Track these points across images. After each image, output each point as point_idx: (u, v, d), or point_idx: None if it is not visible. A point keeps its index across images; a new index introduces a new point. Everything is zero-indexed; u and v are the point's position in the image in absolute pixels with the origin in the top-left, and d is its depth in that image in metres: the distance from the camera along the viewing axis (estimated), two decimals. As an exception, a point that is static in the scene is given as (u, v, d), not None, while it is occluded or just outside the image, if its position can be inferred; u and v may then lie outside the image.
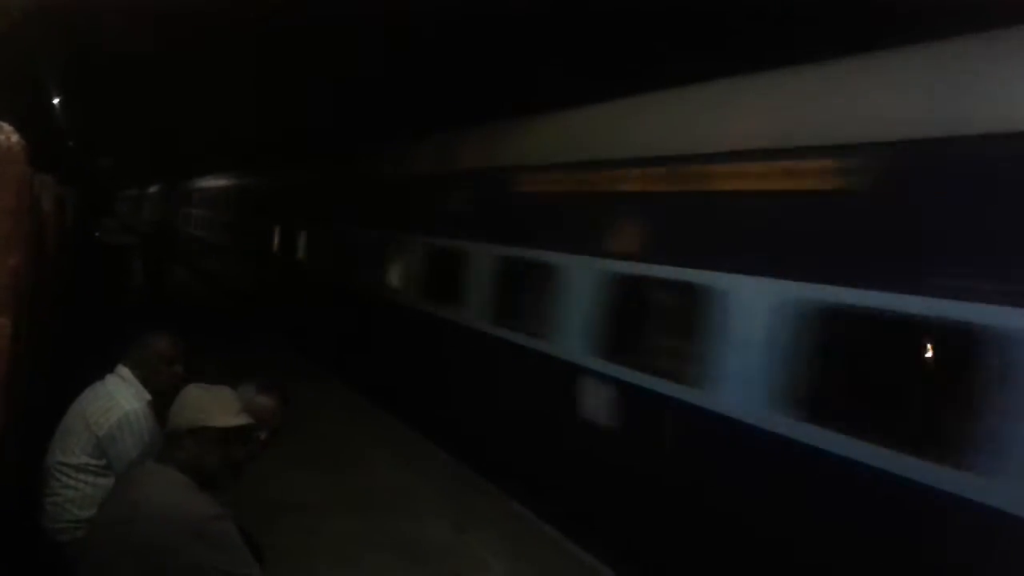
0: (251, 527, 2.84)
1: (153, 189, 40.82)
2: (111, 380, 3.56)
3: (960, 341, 3.47)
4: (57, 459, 3.38)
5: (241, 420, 2.56)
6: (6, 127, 1.82)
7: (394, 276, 9.75)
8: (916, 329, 3.84)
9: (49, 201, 4.79)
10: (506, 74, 8.90)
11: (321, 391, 9.84)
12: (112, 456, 3.31)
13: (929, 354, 4.04)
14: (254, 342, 12.56)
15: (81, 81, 13.02)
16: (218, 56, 10.47)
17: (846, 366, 4.22)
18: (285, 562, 4.54)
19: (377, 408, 9.30)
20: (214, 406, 2.55)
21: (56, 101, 14.68)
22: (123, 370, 3.58)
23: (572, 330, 5.96)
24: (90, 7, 7.78)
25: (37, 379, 4.06)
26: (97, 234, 19.11)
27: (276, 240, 15.27)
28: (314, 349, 12.16)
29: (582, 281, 5.90)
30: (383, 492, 6.62)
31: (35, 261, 3.41)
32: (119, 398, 3.44)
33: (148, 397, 3.51)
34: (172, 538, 2.29)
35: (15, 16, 7.01)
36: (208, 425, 2.49)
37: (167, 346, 3.63)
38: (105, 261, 15.59)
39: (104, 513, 2.52)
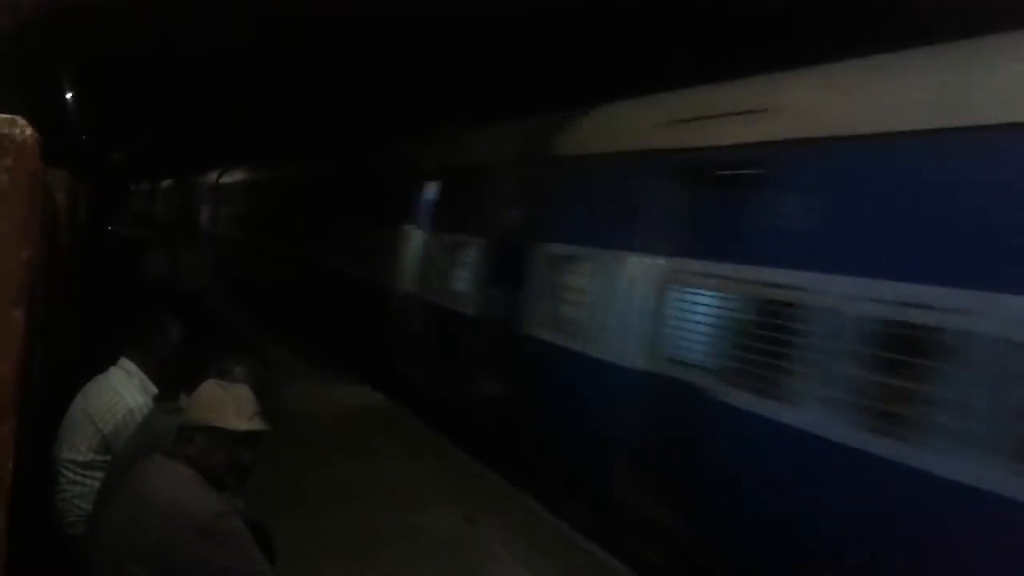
0: (262, 520, 2.82)
1: (166, 183, 40.92)
2: (114, 373, 3.47)
3: None
4: (64, 456, 3.32)
5: (253, 425, 2.50)
6: (20, 121, 1.82)
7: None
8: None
9: (62, 195, 4.80)
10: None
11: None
12: (118, 452, 3.20)
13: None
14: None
15: (94, 76, 13.07)
16: (229, 51, 10.49)
17: None
18: (297, 555, 4.55)
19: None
20: (228, 407, 2.49)
21: (69, 96, 14.73)
22: (127, 363, 3.48)
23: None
24: (101, 4, 7.80)
25: (50, 373, 4.07)
26: (110, 228, 19.20)
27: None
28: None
29: None
30: (393, 483, 6.64)
31: (48, 255, 3.40)
32: (123, 393, 3.35)
33: (155, 391, 3.39)
34: (178, 535, 2.26)
35: (28, 12, 7.03)
36: (219, 426, 2.45)
37: (177, 333, 3.53)
38: (120, 254, 15.63)
39: (111, 508, 2.49)
